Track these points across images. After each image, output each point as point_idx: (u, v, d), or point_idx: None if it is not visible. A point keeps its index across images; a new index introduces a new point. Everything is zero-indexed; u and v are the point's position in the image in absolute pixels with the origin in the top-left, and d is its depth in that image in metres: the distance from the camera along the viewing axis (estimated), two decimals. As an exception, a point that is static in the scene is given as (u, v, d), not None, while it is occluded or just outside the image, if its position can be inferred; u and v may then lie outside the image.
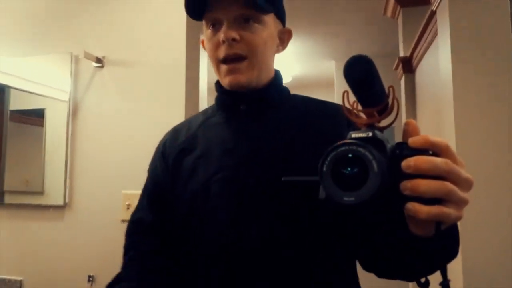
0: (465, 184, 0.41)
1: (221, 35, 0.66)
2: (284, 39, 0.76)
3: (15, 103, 1.81)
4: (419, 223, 0.43)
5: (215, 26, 0.68)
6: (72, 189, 1.60)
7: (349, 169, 0.41)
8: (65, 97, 1.64)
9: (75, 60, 1.64)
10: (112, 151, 1.56)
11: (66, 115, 1.64)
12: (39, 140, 1.70)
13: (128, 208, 1.51)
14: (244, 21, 0.67)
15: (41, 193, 1.68)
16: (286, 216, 0.64)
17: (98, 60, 1.60)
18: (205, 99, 3.75)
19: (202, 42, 0.77)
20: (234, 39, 0.66)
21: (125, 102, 1.57)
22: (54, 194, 1.63)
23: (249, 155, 0.68)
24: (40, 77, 1.69)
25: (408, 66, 2.55)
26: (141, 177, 1.47)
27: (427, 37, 2.00)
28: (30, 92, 1.72)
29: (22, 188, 1.73)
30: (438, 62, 1.66)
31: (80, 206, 1.59)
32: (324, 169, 0.42)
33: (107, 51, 1.61)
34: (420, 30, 2.05)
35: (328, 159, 0.42)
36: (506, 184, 1.32)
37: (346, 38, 3.60)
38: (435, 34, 1.80)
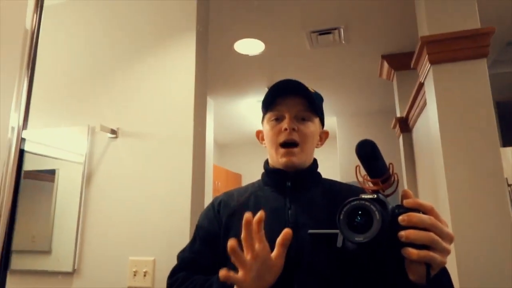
0: (447, 237, 0.57)
1: (285, 125, 0.88)
2: (322, 137, 0.99)
3: (29, 165, 1.89)
4: (415, 268, 0.57)
5: (278, 119, 0.90)
6: (81, 255, 1.65)
7: (359, 218, 0.58)
8: (80, 159, 1.74)
9: (92, 131, 1.78)
10: (122, 217, 1.64)
11: (80, 180, 1.73)
12: (49, 197, 1.74)
13: (135, 275, 1.55)
14: (301, 119, 0.90)
15: (48, 252, 1.69)
16: (318, 277, 0.77)
17: (113, 132, 1.73)
18: (211, 157, 3.86)
19: (257, 133, 0.99)
20: (293, 129, 0.87)
21: (136, 171, 1.67)
22: (62, 257, 1.65)
23: (294, 224, 0.83)
24: (58, 144, 1.82)
25: (405, 125, 2.67)
26: (148, 244, 1.55)
27: (419, 103, 2.13)
28: (47, 156, 1.83)
29: (28, 246, 1.73)
30: (429, 126, 1.77)
31: (89, 273, 1.63)
32: (341, 217, 0.59)
33: (121, 124, 1.75)
34: (412, 95, 2.19)
35: (344, 210, 0.59)
36: (497, 233, 1.40)
37: (347, 97, 3.78)
38: (425, 102, 1.92)
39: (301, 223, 0.82)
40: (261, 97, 3.78)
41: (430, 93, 1.68)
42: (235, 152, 5.77)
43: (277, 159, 0.89)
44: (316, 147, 0.96)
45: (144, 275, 1.54)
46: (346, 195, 0.86)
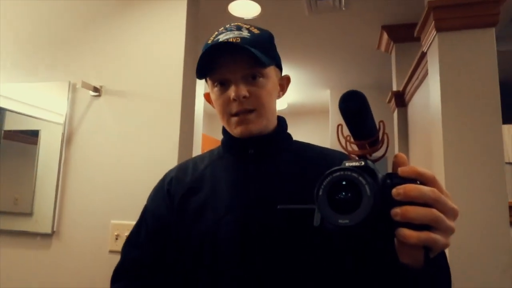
0: (451, 213, 0.44)
1: (232, 94, 0.71)
2: (283, 85, 0.82)
3: (10, 124, 1.81)
4: (409, 251, 0.45)
5: (223, 84, 0.73)
6: (60, 217, 1.59)
7: (343, 193, 0.43)
8: (61, 120, 1.65)
9: (73, 88, 1.66)
10: (104, 179, 1.56)
11: (60, 140, 1.64)
12: (32, 159, 1.67)
13: (116, 239, 1.50)
14: (251, 78, 0.72)
15: (29, 214, 1.64)
16: (291, 258, 0.67)
17: (96, 89, 1.62)
18: (201, 125, 3.77)
19: (206, 96, 0.82)
20: (244, 96, 0.71)
21: (120, 132, 1.58)
22: (41, 219, 1.60)
23: (258, 197, 0.71)
24: (37, 102, 1.70)
25: (401, 100, 2.61)
26: (131, 207, 1.48)
27: (418, 75, 2.05)
28: (26, 115, 1.72)
29: (10, 207, 1.68)
30: (429, 99, 1.70)
31: (68, 235, 1.57)
32: (320, 193, 0.44)
33: (104, 81, 1.63)
34: (412, 68, 2.11)
35: (324, 184, 0.44)
36: (493, 212, 1.36)
37: (341, 70, 3.68)
38: (426, 73, 1.85)
39: (266, 196, 0.70)
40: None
41: (433, 63, 1.60)
42: (225, 123, 5.66)
43: (231, 130, 0.75)
44: (278, 98, 0.80)
45: (127, 240, 1.48)
46: (321, 161, 0.74)
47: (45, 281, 1.54)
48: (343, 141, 0.51)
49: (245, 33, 0.72)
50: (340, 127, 0.50)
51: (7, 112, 1.79)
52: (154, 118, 1.55)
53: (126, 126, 1.57)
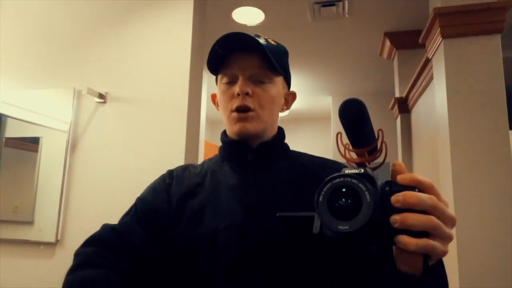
0: (449, 221, 0.44)
1: (237, 89, 0.72)
2: (289, 100, 0.83)
3: (12, 131, 1.79)
4: (408, 259, 0.45)
5: (231, 82, 0.75)
6: (65, 225, 1.57)
7: (343, 200, 0.43)
8: (65, 127, 1.64)
9: (78, 95, 1.66)
10: (109, 187, 1.55)
11: (65, 147, 1.63)
12: (33, 166, 1.66)
13: (122, 247, 1.48)
14: (258, 80, 0.74)
15: (30, 223, 1.62)
16: (290, 266, 0.65)
17: (101, 96, 1.61)
18: (203, 132, 3.77)
19: (213, 96, 0.82)
20: (247, 93, 0.72)
21: (126, 139, 1.57)
22: (45, 228, 1.58)
23: (257, 204, 0.70)
24: (40, 109, 1.70)
25: (404, 106, 2.61)
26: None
27: (422, 81, 2.06)
28: (27, 121, 1.71)
29: (10, 216, 1.66)
30: (434, 104, 1.70)
31: (73, 244, 1.55)
32: (320, 199, 0.44)
33: (110, 87, 1.63)
34: (416, 73, 2.11)
35: (324, 190, 0.44)
36: (502, 219, 1.34)
37: (344, 76, 3.69)
38: (431, 79, 1.85)
39: (265, 203, 0.70)
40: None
41: (438, 69, 1.60)
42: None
43: (230, 128, 0.75)
44: (281, 112, 0.81)
45: (132, 248, 1.46)
46: (318, 169, 0.74)
47: (49, 290, 1.52)
48: (342, 149, 0.52)
49: (262, 40, 0.74)
50: (339, 135, 0.51)
51: (9, 119, 1.78)
52: (160, 125, 1.54)
53: (132, 133, 1.57)
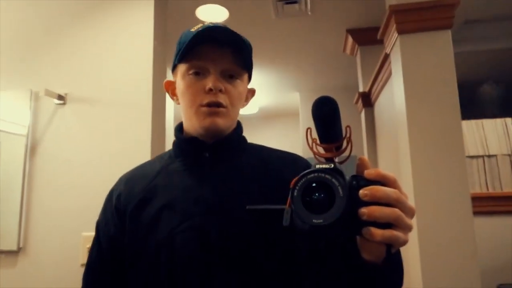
0: (410, 212, 0.48)
1: (209, 84, 0.70)
2: (248, 96, 0.82)
3: None
4: (372, 248, 0.48)
5: (199, 74, 0.72)
6: (27, 232, 1.51)
7: (316, 194, 0.46)
8: (23, 130, 1.57)
9: (35, 97, 1.59)
10: (72, 191, 1.50)
11: (24, 152, 1.56)
12: None
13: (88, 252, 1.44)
14: (229, 76, 0.72)
15: None
16: (252, 265, 0.65)
17: (60, 97, 1.56)
18: (172, 130, 3.73)
19: (167, 84, 0.79)
20: (220, 90, 0.70)
21: (88, 141, 1.53)
22: (5, 236, 1.52)
23: (215, 203, 0.68)
24: (-5, 113, 1.62)
25: (367, 100, 2.70)
26: (103, 217, 1.43)
27: (383, 76, 2.14)
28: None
29: None
30: (393, 98, 1.78)
31: (36, 251, 1.49)
32: (295, 193, 0.46)
33: (69, 88, 1.58)
34: (376, 68, 2.19)
35: (299, 185, 0.46)
36: (457, 203, 1.43)
37: (310, 72, 3.75)
38: (390, 74, 1.93)
39: (224, 201, 0.69)
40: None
41: (396, 64, 1.67)
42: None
43: (198, 122, 0.71)
44: (241, 107, 0.79)
45: (99, 252, 1.43)
46: (278, 162, 0.75)
47: (12, 301, 1.46)
48: (311, 143, 0.53)
49: (234, 33, 0.72)
50: (309, 130, 0.52)
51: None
52: (124, 125, 1.51)
53: (95, 134, 1.53)
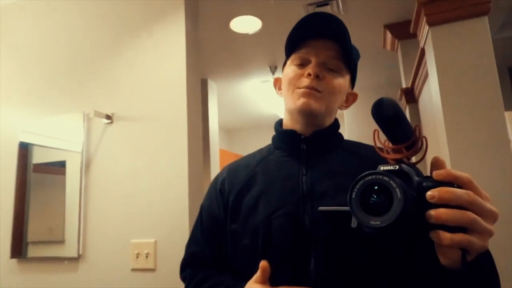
0: (489, 216, 0.45)
1: (310, 70, 0.75)
2: (349, 99, 0.85)
3: (38, 158, 1.92)
4: (446, 253, 0.47)
5: (303, 65, 0.78)
6: (85, 241, 1.68)
7: (375, 196, 0.46)
8: (79, 148, 1.76)
9: (87, 118, 1.78)
10: (121, 203, 1.65)
11: (79, 167, 1.74)
12: (62, 189, 1.78)
13: (137, 257, 1.57)
14: (329, 68, 0.77)
15: (62, 242, 1.74)
16: (338, 252, 0.69)
17: (108, 117, 1.72)
18: (217, 140, 3.85)
19: (276, 81, 0.87)
20: (317, 76, 0.75)
21: (133, 156, 1.67)
22: (69, 244, 1.70)
23: (309, 193, 0.73)
24: (59, 134, 1.83)
25: (411, 96, 2.58)
26: (148, 226, 1.56)
27: (422, 70, 2.04)
28: (51, 147, 1.85)
29: (45, 237, 1.78)
30: (431, 93, 1.69)
31: (93, 257, 1.66)
32: (353, 196, 0.47)
33: (115, 108, 1.74)
34: (416, 63, 2.10)
35: (357, 187, 0.47)
36: (503, 202, 1.32)
37: (351, 72, 3.67)
38: (428, 68, 1.84)
39: (318, 191, 0.72)
40: (264, 77, 3.71)
41: (430, 58, 1.60)
42: (242, 136, 5.74)
43: (293, 104, 0.76)
44: (340, 109, 0.83)
45: (146, 257, 1.55)
46: (375, 160, 0.74)
47: (75, 302, 1.63)
48: (380, 146, 0.54)
49: (342, 27, 0.77)
50: (376, 132, 0.53)
51: (35, 147, 1.93)
52: (162, 139, 1.63)
53: (138, 149, 1.66)
